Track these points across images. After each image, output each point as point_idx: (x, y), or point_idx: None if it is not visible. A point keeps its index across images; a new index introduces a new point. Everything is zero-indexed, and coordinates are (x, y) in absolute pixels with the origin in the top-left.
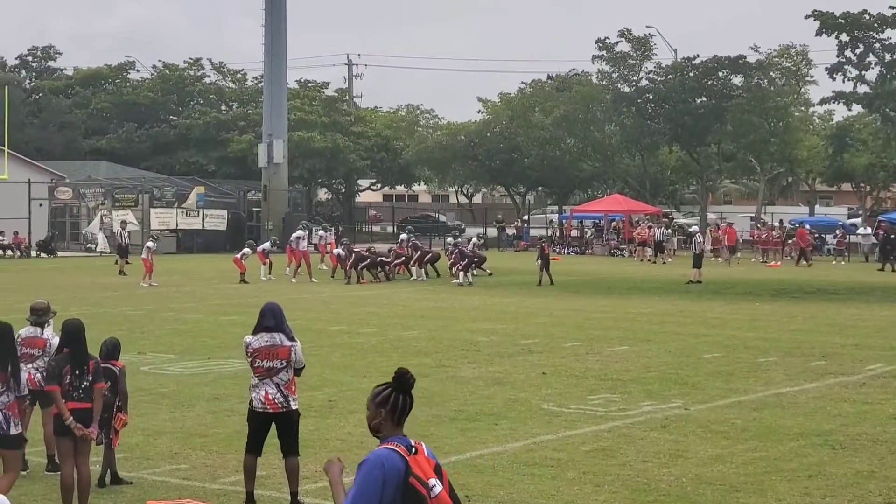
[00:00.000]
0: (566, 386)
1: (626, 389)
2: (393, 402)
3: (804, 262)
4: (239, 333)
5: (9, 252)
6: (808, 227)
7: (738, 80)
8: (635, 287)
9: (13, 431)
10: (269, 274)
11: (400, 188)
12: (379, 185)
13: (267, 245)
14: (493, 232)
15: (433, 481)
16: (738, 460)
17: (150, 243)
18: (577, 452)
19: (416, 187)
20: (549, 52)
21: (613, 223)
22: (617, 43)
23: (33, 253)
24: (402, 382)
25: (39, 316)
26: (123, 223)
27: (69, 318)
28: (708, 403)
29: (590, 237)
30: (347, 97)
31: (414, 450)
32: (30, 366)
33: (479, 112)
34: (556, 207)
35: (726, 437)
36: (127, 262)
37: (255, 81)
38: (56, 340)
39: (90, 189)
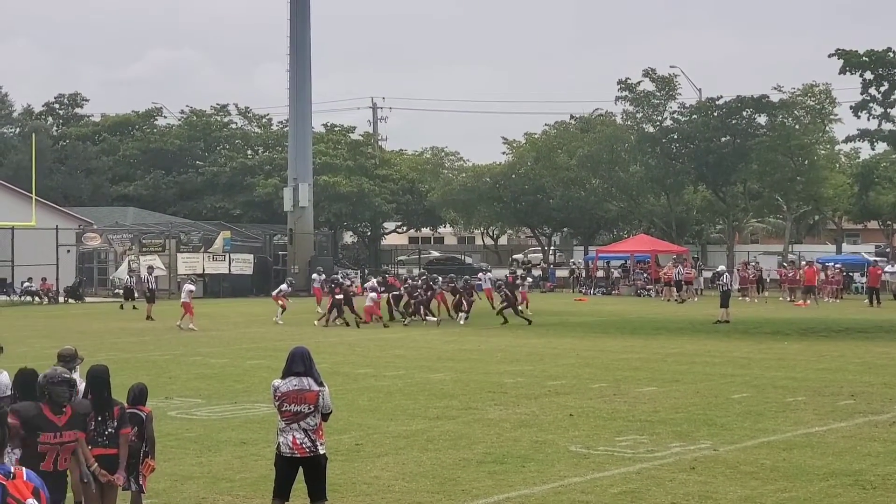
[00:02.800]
0: (594, 427)
1: (654, 431)
2: None
3: (812, 300)
4: (265, 378)
5: (37, 298)
6: (837, 265)
7: (762, 119)
8: (662, 327)
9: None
10: (279, 317)
11: (425, 230)
12: (404, 228)
13: (284, 287)
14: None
15: (31, 501)
16: (767, 501)
17: (189, 286)
18: (606, 495)
19: (441, 229)
20: (573, 92)
21: (640, 263)
22: (639, 83)
23: (61, 299)
24: None
25: (67, 362)
26: (150, 268)
27: (94, 364)
28: (737, 444)
29: (616, 277)
30: (372, 140)
31: (12, 475)
32: None
33: (503, 153)
34: (581, 248)
35: (756, 478)
36: (134, 307)
37: (281, 126)
38: (83, 387)
39: (118, 235)
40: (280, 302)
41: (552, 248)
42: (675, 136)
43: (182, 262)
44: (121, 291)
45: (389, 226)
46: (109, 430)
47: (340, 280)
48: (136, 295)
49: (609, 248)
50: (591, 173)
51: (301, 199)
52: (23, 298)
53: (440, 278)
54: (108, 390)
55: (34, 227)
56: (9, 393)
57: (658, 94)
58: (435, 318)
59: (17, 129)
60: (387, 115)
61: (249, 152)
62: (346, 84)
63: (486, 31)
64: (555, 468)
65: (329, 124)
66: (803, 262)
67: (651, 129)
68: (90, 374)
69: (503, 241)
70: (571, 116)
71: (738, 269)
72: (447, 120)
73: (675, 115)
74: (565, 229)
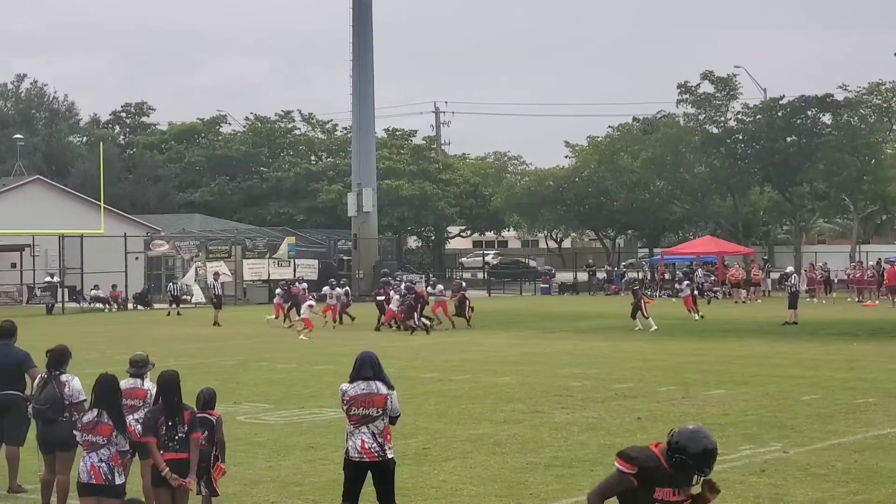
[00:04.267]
0: (662, 431)
1: (723, 433)
2: None
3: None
4: (332, 382)
5: (106, 305)
6: None
7: (827, 119)
8: (730, 329)
9: (118, 481)
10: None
11: (489, 234)
12: (468, 232)
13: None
14: (583, 276)
15: None
16: None
17: (311, 302)
18: None
19: (505, 233)
20: (636, 94)
21: (706, 265)
22: (699, 85)
23: (130, 305)
24: None
25: (139, 368)
26: (216, 274)
27: (164, 369)
28: (807, 446)
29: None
30: (435, 145)
31: None
32: (131, 417)
33: (566, 157)
34: (646, 250)
35: (827, 481)
36: (178, 314)
37: (344, 132)
38: (154, 392)
39: (184, 241)
40: (278, 312)
41: (616, 251)
42: (740, 137)
43: (248, 268)
44: (170, 298)
45: (453, 230)
46: (180, 434)
47: (413, 284)
48: (188, 301)
49: (674, 249)
50: (655, 175)
51: (365, 204)
52: (92, 305)
53: (440, 286)
54: (178, 395)
55: (103, 235)
56: (82, 398)
57: (718, 95)
58: (428, 325)
59: (85, 139)
60: (449, 119)
61: (313, 158)
62: (408, 89)
63: (549, 34)
64: None
65: (391, 129)
66: (871, 263)
67: (715, 130)
68: (161, 380)
69: (567, 244)
70: (634, 119)
71: (805, 270)
72: (510, 124)
73: (740, 116)
74: (629, 232)
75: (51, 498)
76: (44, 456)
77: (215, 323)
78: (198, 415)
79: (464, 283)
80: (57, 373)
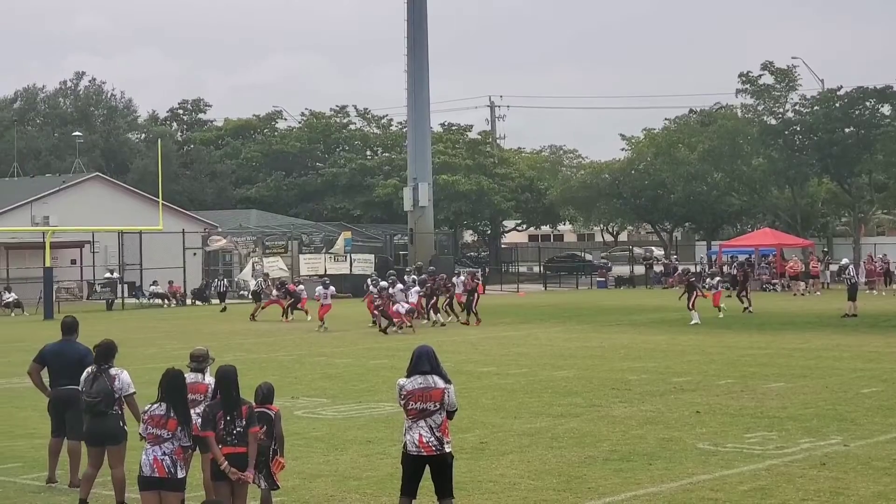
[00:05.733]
0: (721, 424)
1: (783, 427)
2: None
3: None
4: (388, 377)
5: (165, 301)
6: None
7: (885, 110)
8: (789, 322)
9: (179, 475)
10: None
11: (545, 228)
12: (524, 226)
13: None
14: (640, 270)
15: None
16: None
17: (322, 289)
18: (735, 492)
19: (561, 227)
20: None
21: (765, 258)
22: (760, 76)
23: (188, 301)
24: None
25: (200, 362)
26: (266, 275)
27: (222, 364)
28: (868, 439)
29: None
30: (491, 139)
31: None
32: (192, 411)
33: (622, 150)
34: (703, 243)
35: (888, 474)
36: (224, 309)
37: (400, 126)
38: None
39: (241, 237)
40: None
41: (673, 243)
42: (798, 128)
43: (304, 264)
44: (248, 294)
45: (509, 224)
46: (238, 429)
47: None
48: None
49: (732, 242)
50: (712, 167)
51: (421, 199)
52: (151, 301)
53: (455, 279)
54: (236, 390)
55: (161, 231)
56: (132, 391)
57: (778, 86)
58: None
59: (143, 135)
60: (504, 113)
61: (369, 153)
62: (463, 83)
63: (604, 26)
64: (682, 466)
65: (447, 124)
66: None
67: (773, 122)
68: (219, 374)
69: (623, 237)
70: (691, 110)
71: (864, 262)
72: (565, 117)
73: (797, 107)
74: (687, 224)
75: (89, 492)
76: (90, 449)
77: (252, 317)
78: (256, 409)
79: (478, 275)
80: (106, 366)
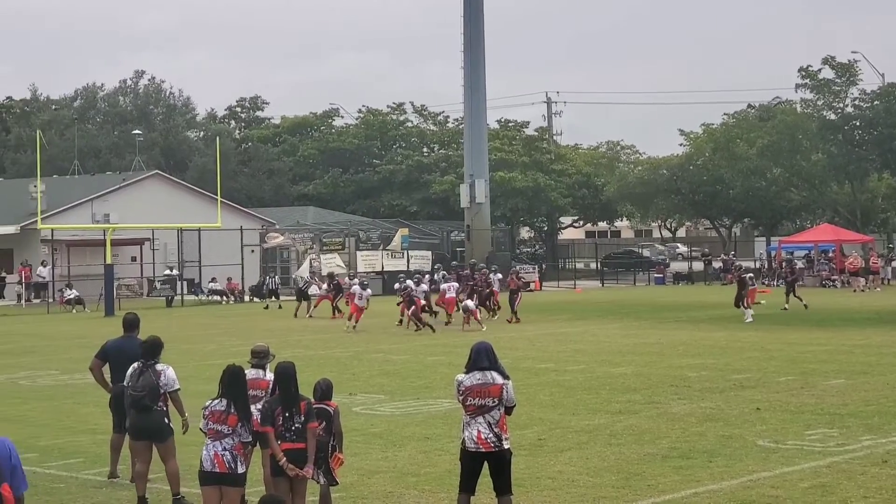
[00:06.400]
0: (781, 421)
1: (844, 424)
2: None
3: None
4: (446, 374)
5: (223, 297)
6: None
7: None
8: (850, 318)
9: (240, 470)
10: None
11: (602, 224)
12: (581, 222)
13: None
14: (698, 266)
15: None
16: None
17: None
18: (796, 490)
19: (618, 223)
20: (751, 80)
21: (824, 254)
22: (820, 70)
23: (246, 298)
24: None
25: (261, 358)
26: (312, 273)
27: (281, 360)
28: None
29: (800, 268)
30: (547, 135)
31: None
32: (253, 407)
33: (680, 145)
34: (762, 239)
35: None
36: (279, 307)
37: (456, 123)
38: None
39: (299, 234)
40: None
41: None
42: (858, 123)
43: (362, 260)
44: (267, 292)
45: (566, 220)
46: (297, 425)
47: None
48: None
49: (792, 238)
50: (771, 162)
51: (478, 196)
52: (210, 298)
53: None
54: (295, 386)
55: (219, 228)
56: (177, 387)
57: (838, 80)
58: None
59: (202, 133)
60: (561, 109)
61: (425, 150)
62: (520, 79)
63: (661, 21)
64: (743, 463)
65: (503, 120)
66: None
67: (832, 117)
68: (278, 371)
69: (681, 233)
70: (749, 105)
71: None
72: (622, 113)
73: (857, 102)
74: (745, 220)
75: (146, 488)
76: (134, 444)
77: (300, 313)
78: (315, 406)
79: (520, 273)
80: (152, 362)
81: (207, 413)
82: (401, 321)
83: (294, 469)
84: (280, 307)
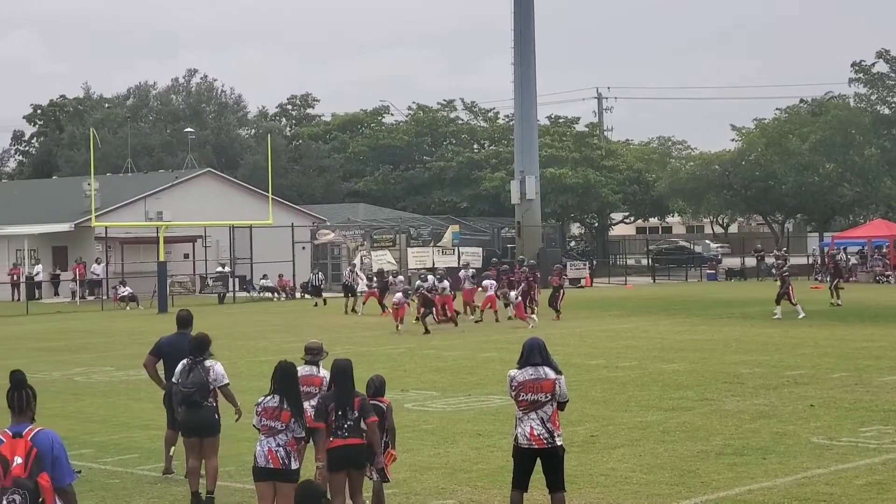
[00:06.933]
0: (835, 418)
1: None
2: (8, 399)
3: None
4: (498, 370)
5: (274, 294)
6: None
7: None
8: None
9: (293, 466)
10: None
11: (653, 220)
12: (632, 218)
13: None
14: (751, 261)
15: (17, 459)
16: None
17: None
18: (851, 487)
19: (669, 219)
20: (803, 75)
21: (878, 249)
22: (874, 64)
23: (297, 294)
24: (10, 381)
25: (314, 355)
26: (353, 267)
27: (338, 357)
28: None
29: (853, 264)
30: (598, 131)
31: (18, 434)
32: (306, 404)
33: (732, 140)
34: (815, 234)
35: None
36: (324, 303)
37: (506, 119)
38: (327, 379)
39: (350, 231)
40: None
41: (785, 235)
42: None
43: (412, 257)
44: (311, 289)
45: (617, 216)
46: (350, 421)
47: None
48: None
49: (845, 234)
50: (824, 158)
51: (528, 192)
52: (261, 294)
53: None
54: (351, 383)
55: (271, 225)
56: (226, 381)
57: (892, 75)
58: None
59: (253, 131)
60: (612, 105)
61: (476, 146)
62: (570, 75)
63: (712, 16)
64: (797, 460)
65: (554, 116)
66: None
67: (886, 111)
68: (335, 367)
69: (733, 228)
70: (802, 100)
71: None
72: (674, 108)
73: None
74: (798, 216)
75: (199, 483)
76: (186, 440)
77: (346, 311)
78: (369, 402)
79: (563, 269)
80: (200, 358)
81: (260, 410)
82: (417, 318)
83: (323, 475)
84: (325, 303)
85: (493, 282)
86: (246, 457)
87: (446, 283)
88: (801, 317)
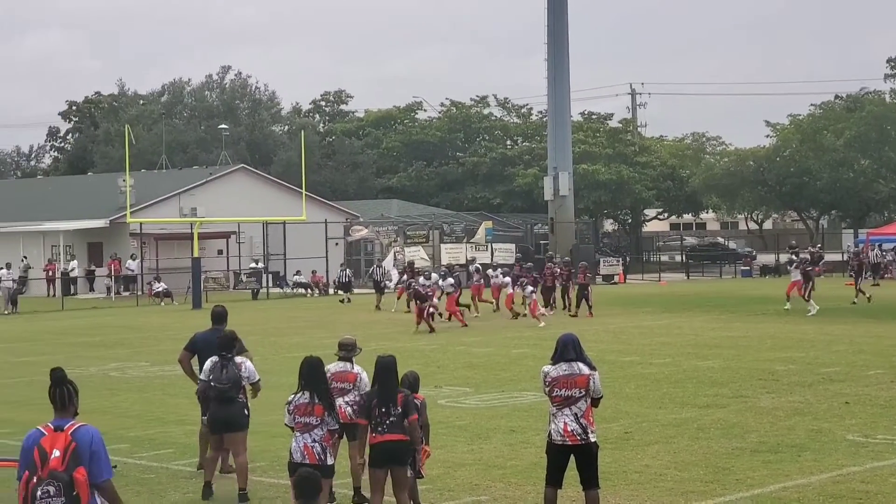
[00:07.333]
0: (871, 415)
1: None
2: (50, 395)
3: None
4: (531, 366)
5: (308, 290)
6: None
7: None
8: None
9: (329, 462)
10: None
11: (687, 216)
12: (666, 214)
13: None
14: (785, 258)
15: (55, 452)
16: None
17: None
18: (887, 484)
19: (703, 215)
20: (838, 71)
21: None
22: None
23: (330, 291)
24: (51, 378)
25: (348, 351)
26: (378, 262)
27: (382, 354)
28: None
29: (888, 261)
30: (631, 127)
31: (60, 428)
32: (341, 399)
33: (766, 136)
34: (850, 231)
35: None
36: (349, 300)
37: (540, 115)
38: (365, 375)
39: (383, 227)
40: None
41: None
42: None
43: (446, 253)
44: (338, 285)
45: (650, 212)
46: (392, 417)
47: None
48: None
49: (880, 230)
50: (859, 154)
51: (561, 188)
52: (295, 290)
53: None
54: (395, 380)
55: (304, 222)
56: (257, 378)
57: None
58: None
59: (286, 127)
60: (646, 101)
61: (509, 143)
62: (604, 71)
63: (748, 10)
64: (832, 457)
65: (587, 112)
66: None
67: None
68: (379, 364)
69: (768, 225)
70: (837, 96)
71: None
72: (708, 104)
73: None
74: (833, 212)
75: (213, 475)
76: (212, 435)
77: (378, 307)
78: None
79: (588, 267)
80: (230, 355)
81: (293, 408)
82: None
83: (359, 472)
84: (349, 301)
85: (509, 279)
86: (280, 452)
87: (451, 280)
88: (810, 314)
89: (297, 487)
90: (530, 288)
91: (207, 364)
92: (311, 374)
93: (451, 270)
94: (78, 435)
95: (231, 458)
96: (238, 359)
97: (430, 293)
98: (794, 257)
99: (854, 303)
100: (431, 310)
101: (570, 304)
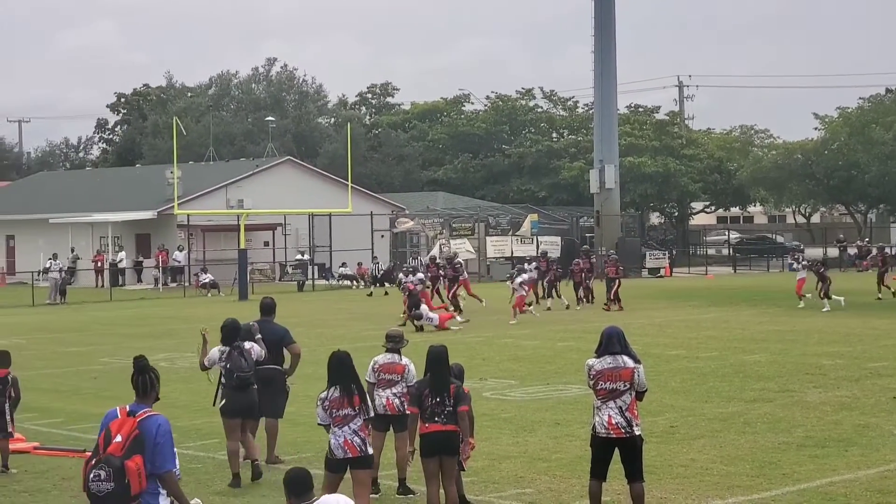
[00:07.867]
0: None
1: None
2: (133, 382)
3: None
4: (576, 359)
5: (353, 282)
6: None
7: None
8: None
9: (370, 451)
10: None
11: (734, 210)
12: (713, 208)
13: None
14: (833, 252)
15: (118, 437)
16: None
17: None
18: None
19: (751, 208)
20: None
21: None
22: None
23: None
24: (134, 365)
25: (396, 343)
26: (416, 256)
27: (433, 344)
28: None
29: None
30: (678, 120)
31: (132, 413)
32: (388, 391)
33: (815, 129)
34: None
35: None
36: (370, 295)
37: (586, 108)
38: (413, 366)
39: (429, 219)
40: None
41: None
42: None
43: (491, 245)
44: (371, 279)
45: (697, 206)
46: (448, 408)
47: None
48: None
49: None
50: None
51: (607, 181)
52: (340, 282)
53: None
54: (447, 370)
55: (350, 214)
56: (265, 352)
57: None
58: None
59: (333, 120)
60: (693, 93)
61: (555, 135)
62: (651, 63)
63: (797, 3)
64: (879, 452)
65: (633, 105)
66: None
67: None
68: (431, 354)
69: (815, 218)
70: (887, 90)
71: None
72: (756, 96)
73: None
74: (881, 206)
75: (239, 465)
76: (229, 422)
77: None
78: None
79: (618, 260)
80: (238, 344)
81: (328, 403)
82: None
83: (406, 463)
84: (370, 294)
85: (526, 277)
86: (324, 445)
87: (524, 277)
88: (825, 310)
89: (288, 486)
90: (519, 280)
91: (216, 353)
92: (340, 369)
93: (522, 268)
94: (145, 424)
95: (248, 439)
96: (247, 344)
97: (417, 289)
98: (800, 256)
99: (879, 298)
100: (419, 322)
101: (583, 298)
